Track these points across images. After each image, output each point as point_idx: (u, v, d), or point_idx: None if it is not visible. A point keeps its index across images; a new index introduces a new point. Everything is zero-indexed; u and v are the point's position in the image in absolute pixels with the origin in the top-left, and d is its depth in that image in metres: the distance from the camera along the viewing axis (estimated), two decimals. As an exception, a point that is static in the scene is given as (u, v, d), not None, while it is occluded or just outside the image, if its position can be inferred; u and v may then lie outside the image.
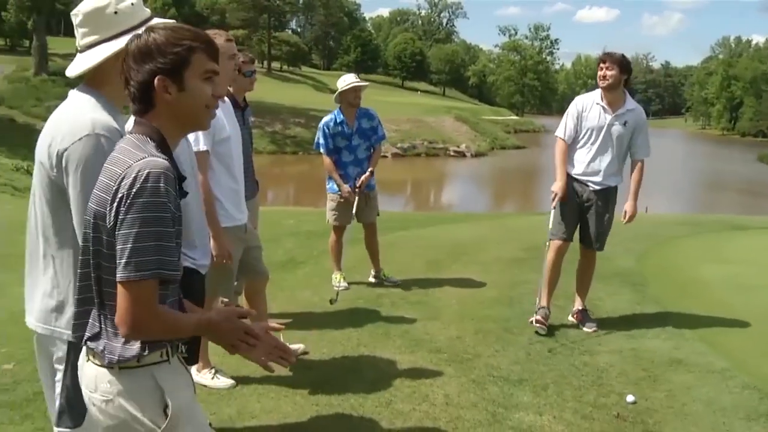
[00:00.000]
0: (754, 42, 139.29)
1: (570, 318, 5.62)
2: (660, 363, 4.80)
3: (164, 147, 1.92)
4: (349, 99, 6.29)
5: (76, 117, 2.33)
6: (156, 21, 2.45)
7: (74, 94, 2.44)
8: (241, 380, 4.25)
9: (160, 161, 1.81)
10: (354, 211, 6.40)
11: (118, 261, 1.75)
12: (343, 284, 6.45)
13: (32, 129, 32.51)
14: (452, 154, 47.96)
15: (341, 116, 6.34)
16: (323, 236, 9.08)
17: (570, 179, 5.49)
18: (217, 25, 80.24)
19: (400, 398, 4.10)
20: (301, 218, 11.76)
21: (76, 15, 2.42)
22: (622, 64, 5.26)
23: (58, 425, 2.42)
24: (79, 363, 2.06)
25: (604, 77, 5.28)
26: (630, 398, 4.17)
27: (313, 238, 9.06)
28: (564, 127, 5.54)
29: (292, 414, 3.87)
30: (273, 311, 5.49)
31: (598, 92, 5.43)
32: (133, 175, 1.76)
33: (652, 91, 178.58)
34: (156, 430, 1.86)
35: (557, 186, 5.43)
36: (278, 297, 5.99)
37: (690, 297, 6.49)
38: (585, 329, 5.44)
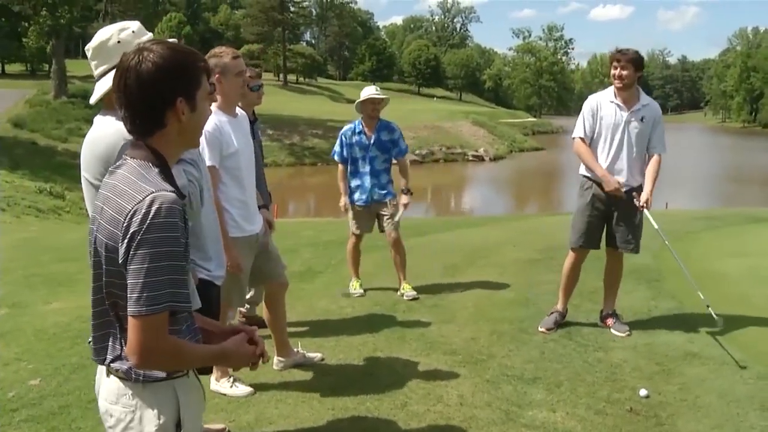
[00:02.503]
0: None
1: (600, 323, 5.54)
2: (674, 357, 4.83)
3: (166, 171, 1.92)
4: (367, 111, 6.34)
5: (106, 134, 2.67)
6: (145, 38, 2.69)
7: (97, 119, 2.80)
8: (259, 387, 4.34)
9: (169, 195, 1.81)
10: (375, 220, 6.52)
11: (129, 295, 1.78)
12: (359, 291, 6.53)
13: (54, 151, 33.04)
14: (471, 158, 47.97)
15: (360, 126, 6.40)
16: (341, 246, 9.16)
17: (593, 184, 5.36)
18: (232, 40, 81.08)
19: (415, 400, 4.17)
20: (319, 229, 11.88)
21: (88, 50, 2.78)
22: (636, 62, 5.12)
23: None
24: (97, 377, 2.13)
25: (621, 77, 5.14)
26: (643, 392, 4.21)
27: (330, 248, 9.16)
28: (582, 125, 5.36)
29: (308, 419, 3.95)
30: (291, 320, 5.58)
31: (611, 90, 5.31)
32: (143, 211, 1.77)
33: (669, 87, 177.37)
34: None
35: (610, 183, 5.19)
36: (296, 306, 6.08)
37: (706, 290, 6.41)
38: (617, 333, 5.32)
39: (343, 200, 6.54)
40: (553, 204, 26.62)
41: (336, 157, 6.54)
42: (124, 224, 1.79)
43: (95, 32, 2.81)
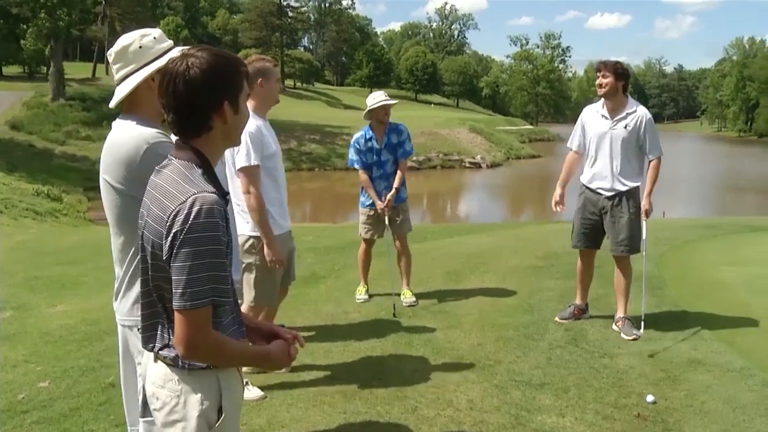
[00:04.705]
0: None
1: (614, 327, 5.62)
2: (679, 364, 4.87)
3: (209, 171, 2.00)
4: (379, 116, 6.35)
5: (127, 138, 2.66)
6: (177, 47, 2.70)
7: (117, 123, 2.78)
8: (270, 391, 4.38)
9: (209, 196, 1.89)
10: (386, 224, 6.46)
11: (174, 290, 1.87)
12: (364, 296, 6.57)
13: (51, 154, 33.06)
14: (468, 165, 47.99)
15: (371, 133, 6.42)
16: (343, 251, 9.23)
17: (586, 189, 5.71)
18: (230, 45, 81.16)
19: (425, 404, 4.21)
20: (318, 234, 11.90)
21: (110, 55, 2.80)
22: (617, 70, 5.42)
23: (143, 416, 2.49)
24: (143, 361, 2.25)
25: (601, 85, 5.46)
26: (650, 398, 4.25)
27: (332, 253, 9.20)
28: (572, 137, 5.87)
29: (320, 422, 3.98)
30: (298, 325, 5.64)
31: (601, 101, 5.60)
32: (185, 212, 1.85)
33: (666, 96, 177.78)
34: (207, 429, 2.01)
35: (554, 194, 5.86)
36: (302, 311, 6.12)
37: (708, 299, 6.54)
38: (624, 336, 5.42)
39: (380, 202, 6.40)
40: (549, 211, 26.66)
41: (356, 165, 6.47)
42: (168, 223, 1.88)
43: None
